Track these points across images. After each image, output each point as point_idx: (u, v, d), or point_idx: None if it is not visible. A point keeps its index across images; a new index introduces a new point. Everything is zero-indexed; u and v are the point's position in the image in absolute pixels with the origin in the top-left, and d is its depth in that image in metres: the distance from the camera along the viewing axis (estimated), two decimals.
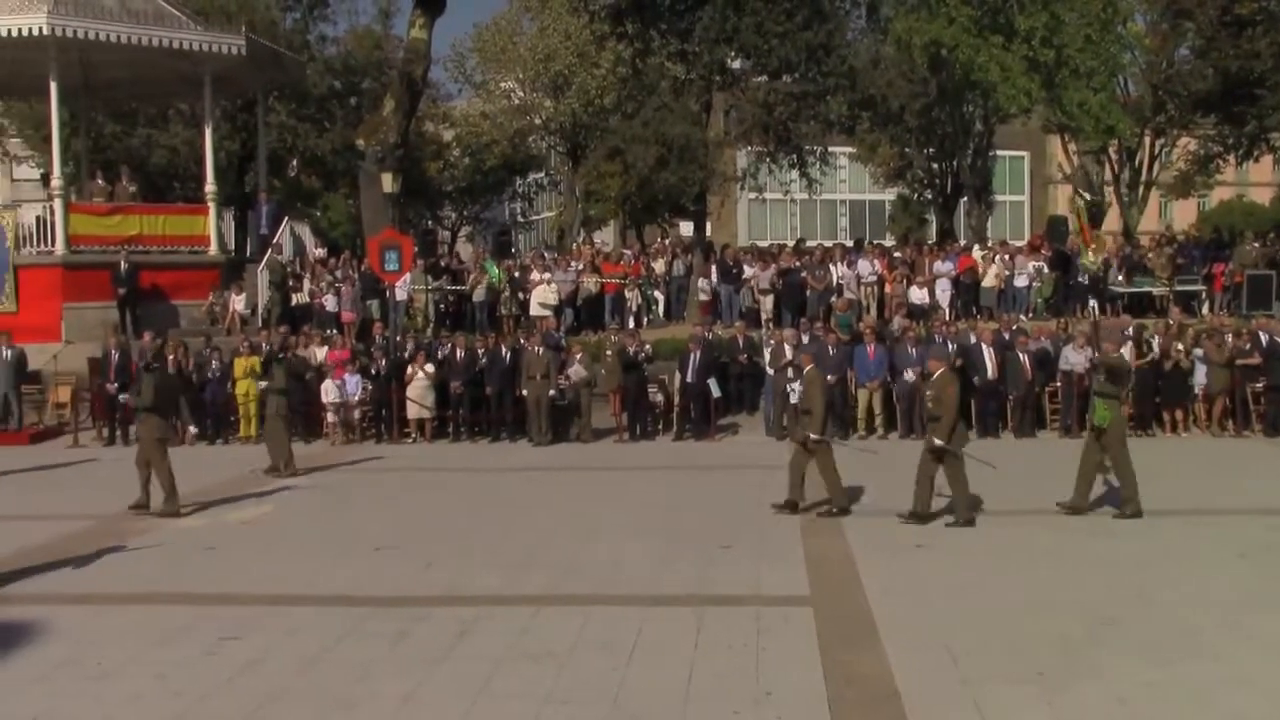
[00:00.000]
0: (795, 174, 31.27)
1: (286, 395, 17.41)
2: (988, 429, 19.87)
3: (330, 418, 20.94)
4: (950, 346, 18.14)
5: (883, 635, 8.75)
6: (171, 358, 20.41)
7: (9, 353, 22.11)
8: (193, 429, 17.90)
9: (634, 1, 27.57)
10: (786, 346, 20.22)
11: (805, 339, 20.83)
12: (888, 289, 25.42)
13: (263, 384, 18.93)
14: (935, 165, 43.46)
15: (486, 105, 52.14)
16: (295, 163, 45.90)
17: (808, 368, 13.82)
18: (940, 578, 10.49)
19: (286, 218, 29.63)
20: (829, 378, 19.78)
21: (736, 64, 28.75)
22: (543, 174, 57.59)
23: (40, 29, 23.90)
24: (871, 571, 10.65)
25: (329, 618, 9.50)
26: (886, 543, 11.91)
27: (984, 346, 20.14)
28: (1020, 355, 20.03)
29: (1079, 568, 10.81)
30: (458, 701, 7.52)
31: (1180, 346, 20.14)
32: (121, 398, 19.87)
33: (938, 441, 12.67)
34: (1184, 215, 62.98)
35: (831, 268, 25.52)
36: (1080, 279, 25.13)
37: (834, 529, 12.61)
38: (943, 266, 25.57)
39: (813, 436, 13.25)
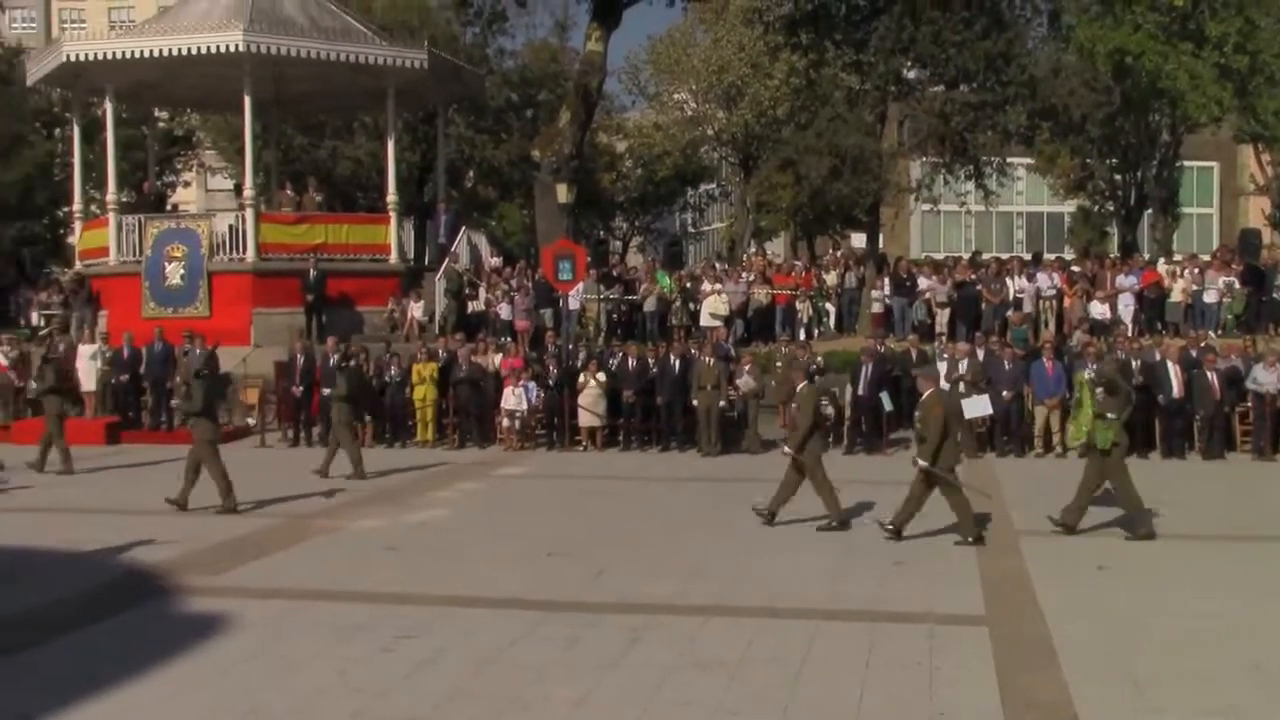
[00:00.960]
0: (971, 185, 30.70)
1: (351, 403, 17.90)
2: (1172, 450, 19.20)
3: (506, 423, 21.31)
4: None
5: (1061, 659, 8.50)
6: (358, 362, 21.05)
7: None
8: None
9: (809, 12, 27.46)
10: (961, 361, 19.96)
11: (980, 353, 20.50)
12: (1067, 303, 24.73)
13: (327, 391, 19.38)
14: (1118, 176, 42.15)
15: (659, 116, 52.57)
16: (472, 173, 46.93)
17: (800, 385, 14.40)
18: (1121, 601, 10.16)
19: (464, 227, 30.30)
20: (1005, 393, 19.60)
21: (912, 74, 28.38)
22: (714, 185, 57.75)
23: (236, 46, 24.94)
24: (1049, 593, 10.36)
25: (503, 620, 9.67)
26: (1065, 564, 11.58)
27: (1169, 364, 19.47)
28: (1208, 374, 19.27)
29: (1271, 594, 10.34)
30: (628, 708, 7.57)
31: None
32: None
33: (921, 463, 12.58)
34: None
35: (1008, 281, 24.98)
36: (1276, 295, 24.06)
37: (1011, 549, 12.32)
38: (1126, 281, 24.76)
39: (786, 450, 13.63)
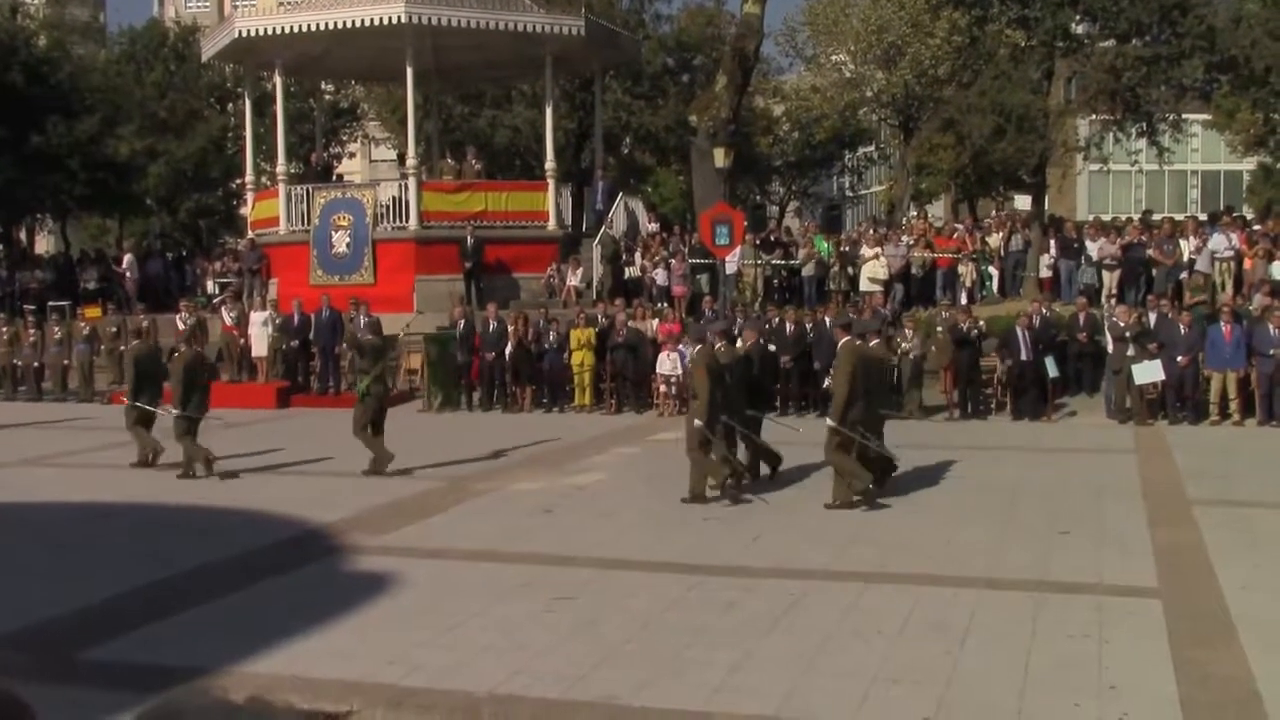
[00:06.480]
0: (1143, 143, 29.57)
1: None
2: None
3: (662, 389, 21.34)
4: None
5: (1241, 634, 8.15)
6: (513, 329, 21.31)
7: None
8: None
9: None
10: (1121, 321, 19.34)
11: (1152, 317, 19.80)
12: (1246, 265, 23.67)
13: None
14: None
15: (817, 79, 51.77)
16: (629, 140, 46.97)
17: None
18: None
19: (621, 193, 30.36)
20: (1179, 358, 18.84)
21: (1081, 28, 27.41)
22: (873, 147, 56.84)
23: (399, 17, 25.36)
24: (1227, 564, 9.94)
25: (660, 583, 9.69)
26: (1245, 535, 11.12)
27: None
28: None
29: None
30: (785, 673, 7.51)
31: None
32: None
33: (172, 412, 15.00)
34: None
35: (1182, 242, 24.02)
36: None
37: (1186, 519, 11.85)
38: None
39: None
